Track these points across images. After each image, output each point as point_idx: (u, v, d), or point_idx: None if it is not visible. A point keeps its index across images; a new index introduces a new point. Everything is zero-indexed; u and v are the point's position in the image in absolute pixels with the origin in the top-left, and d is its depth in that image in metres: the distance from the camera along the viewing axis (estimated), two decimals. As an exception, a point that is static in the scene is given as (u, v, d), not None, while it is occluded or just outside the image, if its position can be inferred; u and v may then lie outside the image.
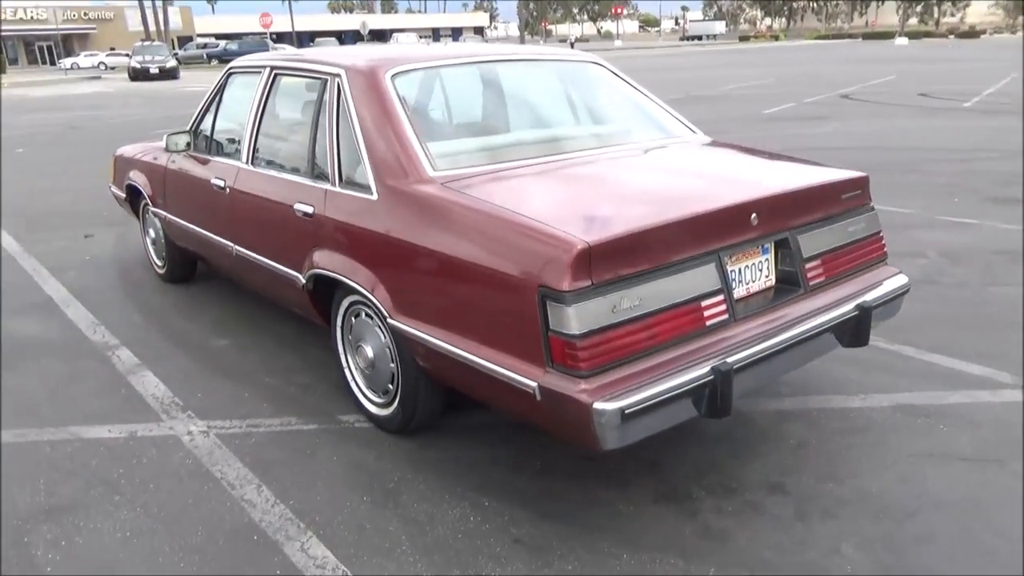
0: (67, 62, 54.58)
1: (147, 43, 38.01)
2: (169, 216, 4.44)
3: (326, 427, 3.08)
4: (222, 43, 52.40)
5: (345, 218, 2.82)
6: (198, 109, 4.12)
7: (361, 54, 3.13)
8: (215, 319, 4.30)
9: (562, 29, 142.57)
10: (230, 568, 2.27)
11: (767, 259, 2.59)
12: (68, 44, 63.83)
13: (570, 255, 2.03)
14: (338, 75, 3.01)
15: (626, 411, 2.02)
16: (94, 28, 65.10)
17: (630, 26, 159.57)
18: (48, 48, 63.63)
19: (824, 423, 2.99)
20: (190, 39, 63.80)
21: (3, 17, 56.78)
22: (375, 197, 2.70)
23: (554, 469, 2.72)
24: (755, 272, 2.56)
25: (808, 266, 2.65)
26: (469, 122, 3.34)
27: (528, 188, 2.62)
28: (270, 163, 3.42)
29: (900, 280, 2.92)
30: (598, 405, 2.01)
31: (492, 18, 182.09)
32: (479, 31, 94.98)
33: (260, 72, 3.59)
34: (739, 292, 2.50)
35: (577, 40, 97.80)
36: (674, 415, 2.20)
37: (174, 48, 58.38)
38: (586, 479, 2.67)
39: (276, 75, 3.49)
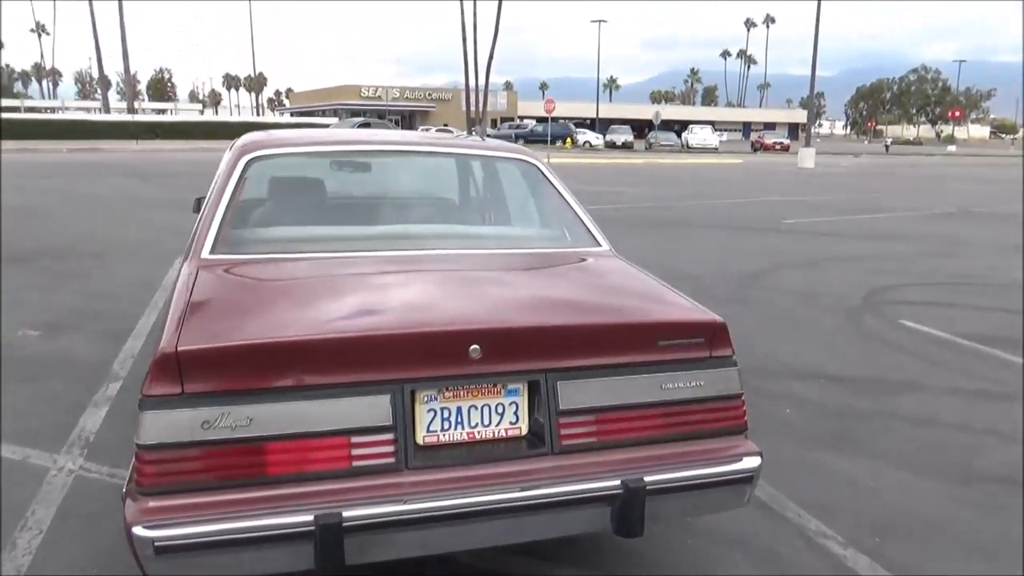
0: (419, 130, 63.33)
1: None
2: None
3: (160, 492, 3.09)
4: (530, 124, 56.75)
5: None
6: None
7: (269, 136, 3.20)
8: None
9: (894, 130, 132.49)
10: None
11: (515, 402, 2.13)
12: (412, 119, 73.92)
13: (155, 358, 1.86)
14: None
15: (158, 543, 1.77)
16: (434, 107, 74.66)
17: (979, 131, 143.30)
18: (396, 122, 74.21)
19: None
20: (511, 119, 70.41)
21: (363, 95, 67.93)
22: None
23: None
24: (490, 415, 2.11)
25: (565, 421, 2.12)
26: (299, 210, 3.21)
27: (251, 283, 2.46)
28: None
29: (744, 463, 2.22)
30: (136, 530, 1.78)
31: (818, 115, 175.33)
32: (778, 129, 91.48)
33: None
34: (454, 435, 2.08)
35: (899, 142, 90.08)
36: (271, 560, 1.87)
37: (495, 127, 64.86)
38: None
39: None
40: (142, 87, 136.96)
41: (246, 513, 1.84)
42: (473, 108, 58.04)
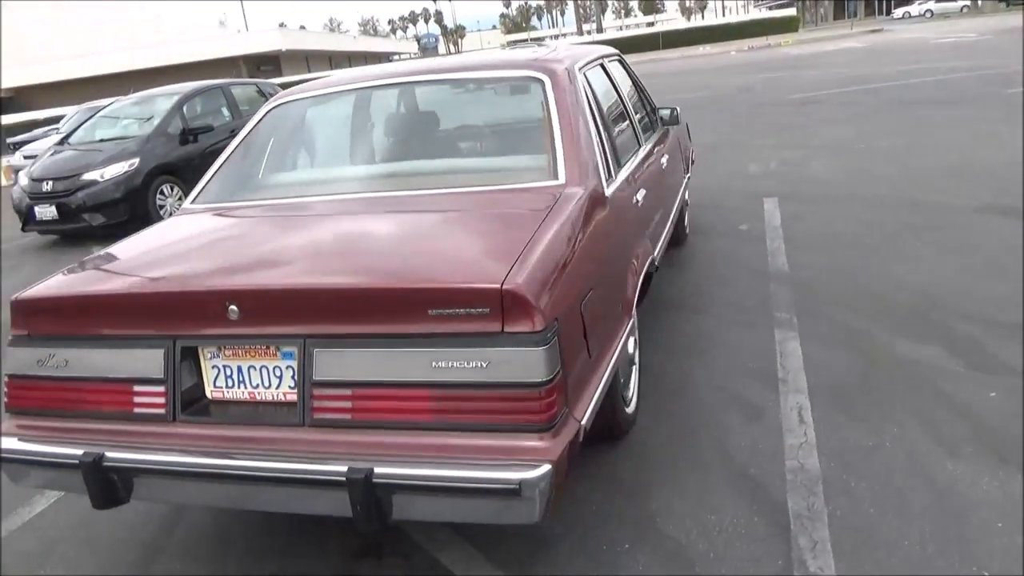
0: (899, 12, 55.24)
1: None
2: None
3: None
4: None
5: None
6: None
7: (307, 84, 3.34)
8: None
9: None
10: None
11: (291, 366, 2.02)
12: (908, -7, 63.92)
13: (10, 304, 2.25)
14: None
15: (-1, 454, 2.19)
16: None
17: None
18: (887, -1, 65.06)
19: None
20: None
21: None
22: None
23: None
24: (269, 377, 2.05)
25: (319, 393, 1.94)
26: (290, 155, 3.17)
27: (164, 236, 2.67)
28: None
29: (514, 472, 1.74)
30: None
31: None
32: None
33: None
34: (236, 393, 2.09)
35: None
36: (65, 482, 2.17)
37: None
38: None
39: None
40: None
41: (53, 439, 2.16)
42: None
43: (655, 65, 30.13)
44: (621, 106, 3.49)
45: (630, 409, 2.83)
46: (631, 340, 2.83)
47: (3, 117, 26.18)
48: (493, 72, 3.06)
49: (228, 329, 2.01)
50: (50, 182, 7.94)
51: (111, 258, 2.47)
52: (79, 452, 2.08)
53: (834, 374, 3.15)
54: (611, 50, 3.88)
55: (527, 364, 1.78)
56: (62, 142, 9.35)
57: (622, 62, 4.02)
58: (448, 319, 1.82)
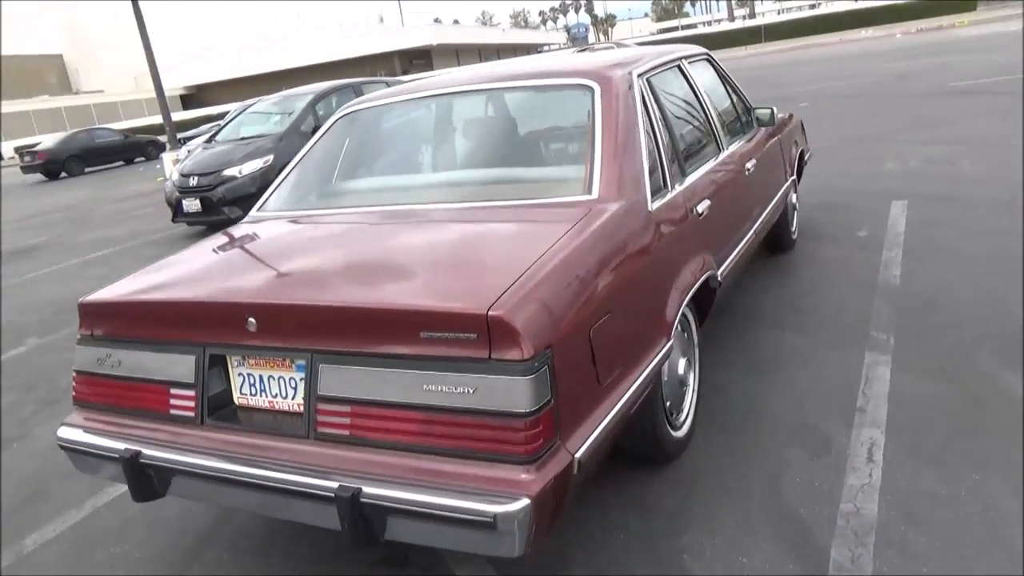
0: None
1: None
2: None
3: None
4: None
5: None
6: None
7: (383, 91, 3.39)
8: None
9: None
10: None
11: (304, 378, 2.07)
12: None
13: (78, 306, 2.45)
14: None
15: (59, 441, 2.40)
16: None
17: None
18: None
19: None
20: None
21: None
22: None
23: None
24: (285, 388, 2.12)
25: (323, 408, 1.98)
26: (354, 166, 3.17)
27: (219, 244, 2.77)
28: None
29: (485, 504, 1.70)
30: (60, 429, 2.45)
31: None
32: None
33: None
34: (258, 401, 2.17)
35: None
36: (111, 473, 2.33)
37: None
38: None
39: None
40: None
41: (108, 432, 2.33)
42: None
43: (807, 52, 28.54)
44: (698, 110, 3.31)
45: (680, 433, 2.69)
46: (682, 361, 2.69)
47: (177, 113, 28.66)
48: (544, 80, 2.97)
49: (249, 340, 2.09)
50: (196, 177, 8.61)
51: (166, 266, 2.63)
52: (122, 447, 2.24)
53: (920, 407, 2.85)
54: (696, 49, 3.69)
55: (511, 393, 1.72)
56: (210, 139, 10.12)
57: (710, 61, 3.81)
58: (438, 343, 1.80)
